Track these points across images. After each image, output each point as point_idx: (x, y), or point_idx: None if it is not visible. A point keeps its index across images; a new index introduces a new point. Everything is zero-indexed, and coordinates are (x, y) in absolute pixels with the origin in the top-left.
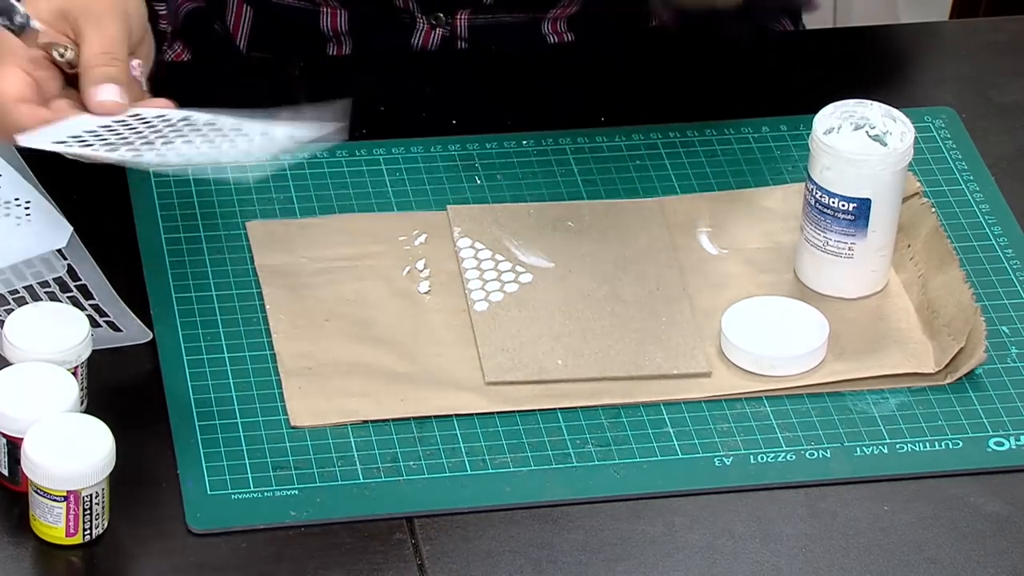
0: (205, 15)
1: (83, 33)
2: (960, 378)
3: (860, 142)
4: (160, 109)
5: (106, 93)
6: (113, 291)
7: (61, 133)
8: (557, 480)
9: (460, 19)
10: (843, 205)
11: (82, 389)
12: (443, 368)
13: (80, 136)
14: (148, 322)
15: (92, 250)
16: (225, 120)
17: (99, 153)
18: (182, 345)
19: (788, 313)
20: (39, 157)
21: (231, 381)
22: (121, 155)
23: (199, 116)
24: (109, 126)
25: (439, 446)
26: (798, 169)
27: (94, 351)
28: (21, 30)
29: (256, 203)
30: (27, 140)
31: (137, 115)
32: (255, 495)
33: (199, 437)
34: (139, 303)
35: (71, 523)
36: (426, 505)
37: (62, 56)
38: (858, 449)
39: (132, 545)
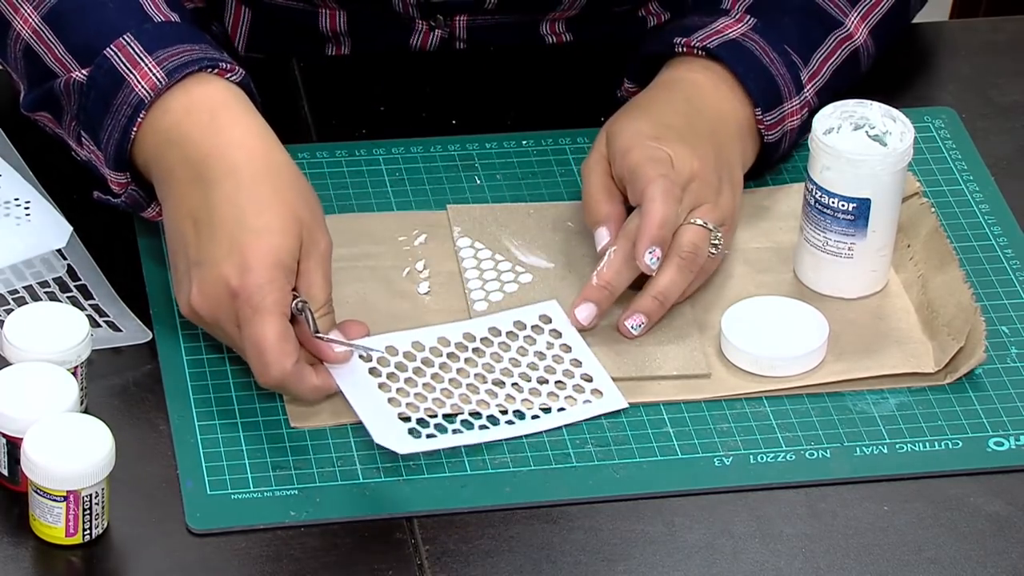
0: (203, 16)
1: (305, 269)
2: (960, 378)
3: (860, 142)
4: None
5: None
6: (113, 291)
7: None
8: (557, 480)
9: (459, 20)
10: (843, 205)
11: (82, 389)
12: None
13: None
14: (148, 322)
15: (92, 250)
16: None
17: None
18: (182, 345)
19: (788, 313)
20: (39, 157)
21: (231, 381)
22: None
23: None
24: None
25: None
26: (798, 169)
27: (94, 351)
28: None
29: None
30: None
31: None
32: (255, 495)
33: (199, 437)
34: (139, 303)
35: (71, 523)
36: (426, 505)
37: (299, 310)
38: (858, 449)
39: (132, 545)
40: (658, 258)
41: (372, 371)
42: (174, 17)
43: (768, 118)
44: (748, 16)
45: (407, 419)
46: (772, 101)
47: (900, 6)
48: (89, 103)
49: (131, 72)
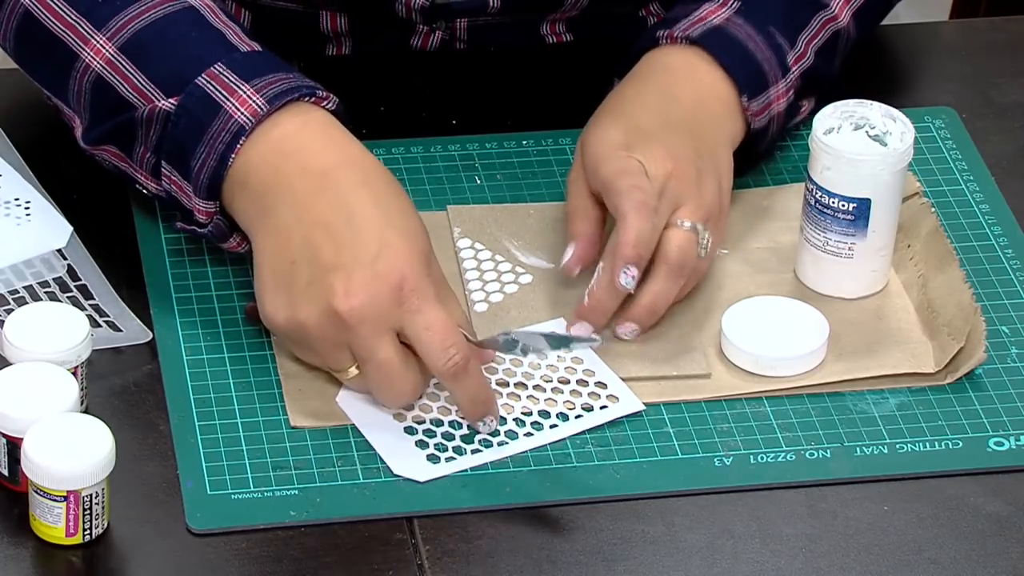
0: None
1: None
2: (960, 378)
3: (860, 142)
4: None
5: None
6: (113, 291)
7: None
8: (557, 480)
9: (459, 22)
10: (843, 205)
11: (82, 389)
12: None
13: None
14: (148, 322)
15: (92, 250)
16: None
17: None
18: (182, 345)
19: (788, 313)
20: (39, 157)
21: (231, 381)
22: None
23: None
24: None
25: None
26: (798, 169)
27: (94, 351)
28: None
29: None
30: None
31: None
32: (255, 495)
33: (199, 437)
34: (139, 303)
35: (71, 523)
36: (426, 505)
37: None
38: (858, 449)
39: (132, 545)
40: (633, 277)
41: None
42: (256, 47)
43: (754, 105)
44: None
45: (424, 445)
46: (758, 87)
47: None
48: (179, 132)
49: (228, 99)
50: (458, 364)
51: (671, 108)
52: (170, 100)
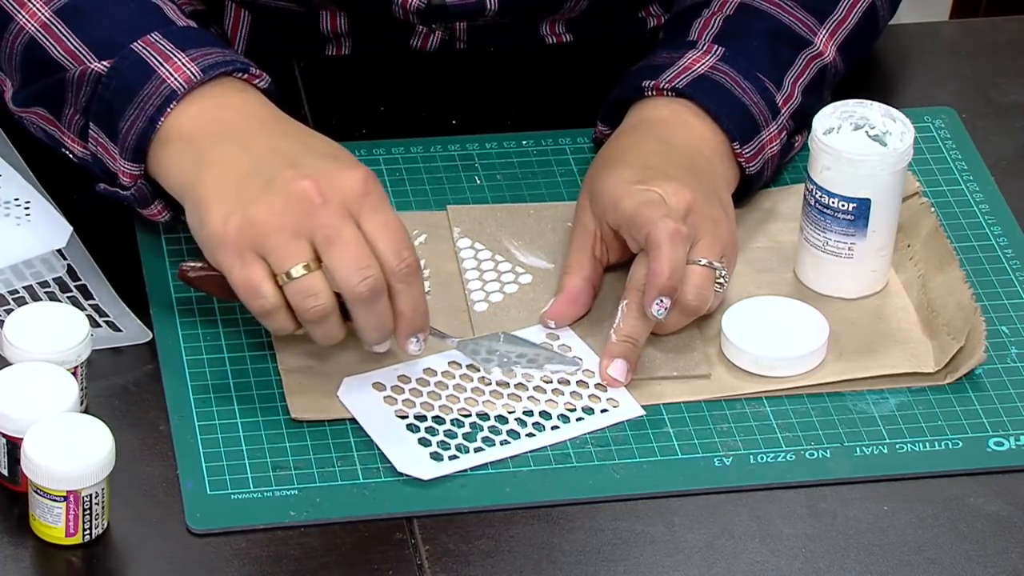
0: (202, 19)
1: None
2: (960, 378)
3: (860, 142)
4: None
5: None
6: (113, 291)
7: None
8: (557, 480)
9: (459, 23)
10: (843, 205)
11: (82, 389)
12: None
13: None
14: (148, 322)
15: (92, 250)
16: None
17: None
18: (182, 345)
19: (788, 313)
20: (39, 157)
21: (231, 381)
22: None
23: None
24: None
25: None
26: (798, 169)
27: (94, 351)
28: None
29: None
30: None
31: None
32: (255, 495)
33: (199, 437)
34: (139, 303)
35: (71, 523)
36: (426, 505)
37: None
38: (858, 449)
39: (132, 545)
40: (666, 308)
41: (387, 399)
42: (194, 25)
43: (747, 150)
44: (716, 46)
45: (427, 443)
46: (749, 132)
47: (868, 21)
48: (108, 93)
49: (162, 65)
50: (411, 266)
51: (672, 153)
52: (102, 63)
